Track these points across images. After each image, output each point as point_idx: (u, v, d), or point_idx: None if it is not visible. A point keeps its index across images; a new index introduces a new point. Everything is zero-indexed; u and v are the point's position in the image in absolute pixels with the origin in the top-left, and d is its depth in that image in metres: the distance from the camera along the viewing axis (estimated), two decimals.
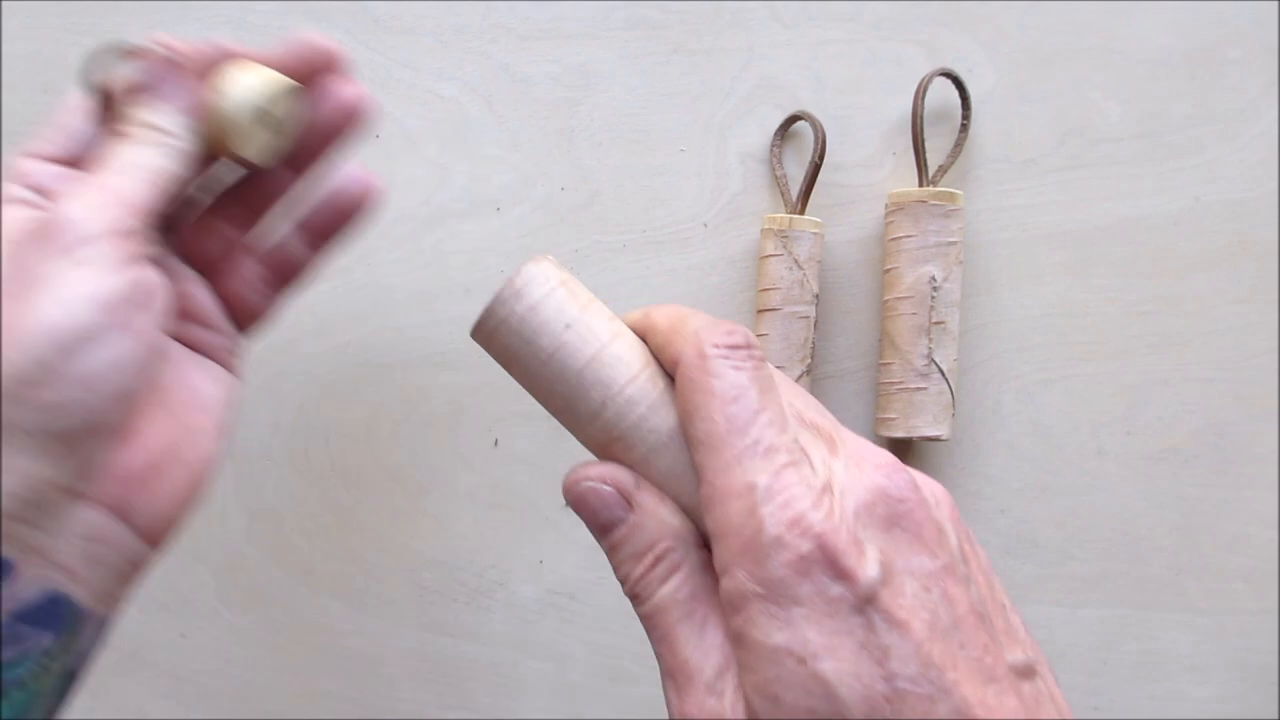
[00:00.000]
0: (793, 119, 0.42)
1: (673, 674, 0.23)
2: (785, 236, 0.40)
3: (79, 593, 0.25)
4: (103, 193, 0.25)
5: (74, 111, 0.28)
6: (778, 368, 0.40)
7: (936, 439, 0.40)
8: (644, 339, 0.26)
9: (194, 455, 0.28)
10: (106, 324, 0.24)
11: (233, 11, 0.43)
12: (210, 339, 0.30)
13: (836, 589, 0.21)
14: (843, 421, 0.42)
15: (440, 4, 0.43)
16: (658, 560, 0.23)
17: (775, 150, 0.42)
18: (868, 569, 0.22)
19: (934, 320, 0.39)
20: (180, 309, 0.30)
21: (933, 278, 0.39)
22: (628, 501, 0.24)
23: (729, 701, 0.22)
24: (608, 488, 0.24)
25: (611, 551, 0.24)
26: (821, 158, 0.41)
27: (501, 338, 0.25)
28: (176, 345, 0.29)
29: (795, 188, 0.42)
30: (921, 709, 0.21)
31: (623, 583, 0.24)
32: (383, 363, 0.43)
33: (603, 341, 0.25)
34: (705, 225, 0.43)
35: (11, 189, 0.26)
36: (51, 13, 0.43)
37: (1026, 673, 0.23)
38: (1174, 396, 0.42)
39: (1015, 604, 0.44)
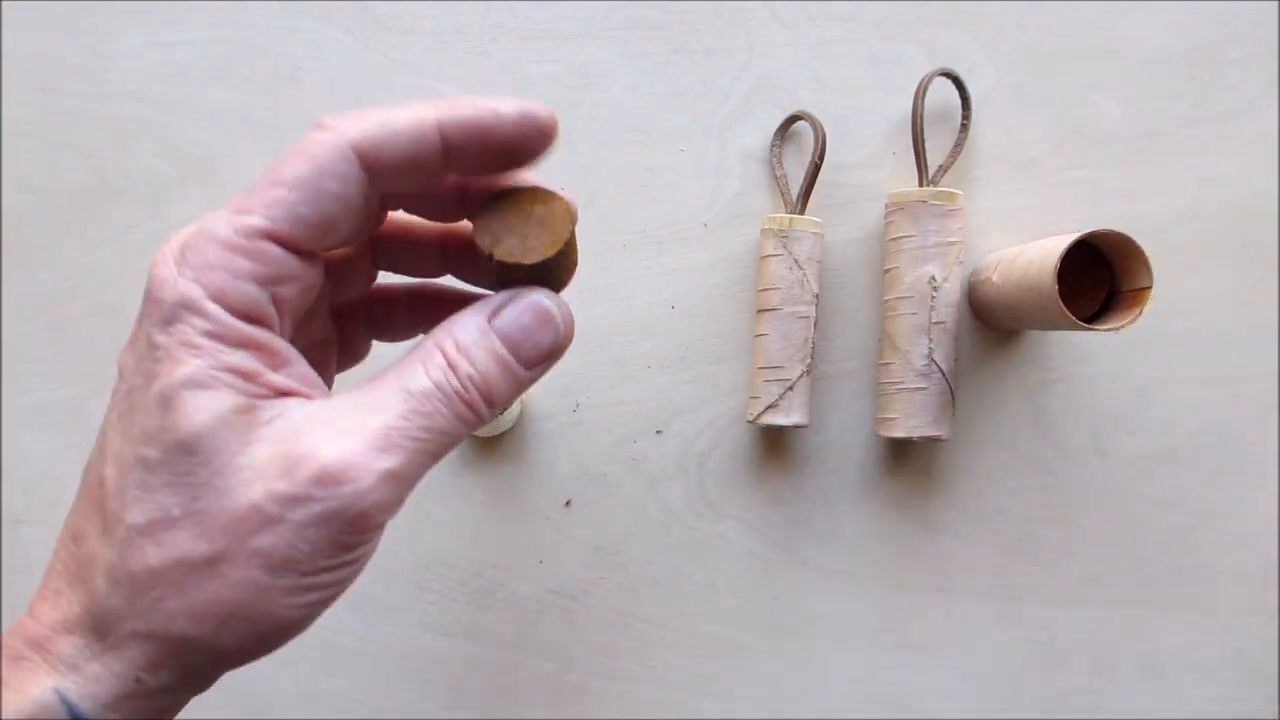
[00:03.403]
0: (793, 119, 0.42)
1: None
2: (785, 236, 0.40)
3: None
4: (391, 461, 0.23)
5: (347, 175, 0.23)
6: (777, 368, 0.40)
7: (936, 439, 0.40)
8: None
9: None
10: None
11: (233, 11, 0.43)
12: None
13: None
14: (842, 421, 0.43)
15: (440, 4, 0.43)
16: None
17: (775, 150, 0.42)
18: None
19: (934, 320, 0.39)
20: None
21: (933, 278, 0.39)
22: None
23: None
24: None
25: None
26: (821, 158, 0.41)
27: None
28: None
29: (795, 188, 0.42)
30: None
31: None
32: (384, 362, 0.43)
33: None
34: (705, 225, 0.43)
35: (206, 352, 0.22)
36: (51, 13, 0.43)
37: None
38: (1174, 396, 0.42)
39: (1015, 604, 0.44)
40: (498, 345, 0.25)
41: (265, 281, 0.23)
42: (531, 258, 0.25)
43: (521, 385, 0.25)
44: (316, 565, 0.22)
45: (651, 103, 0.43)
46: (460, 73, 0.43)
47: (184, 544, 0.22)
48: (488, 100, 0.24)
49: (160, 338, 0.22)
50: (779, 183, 0.42)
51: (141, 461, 0.22)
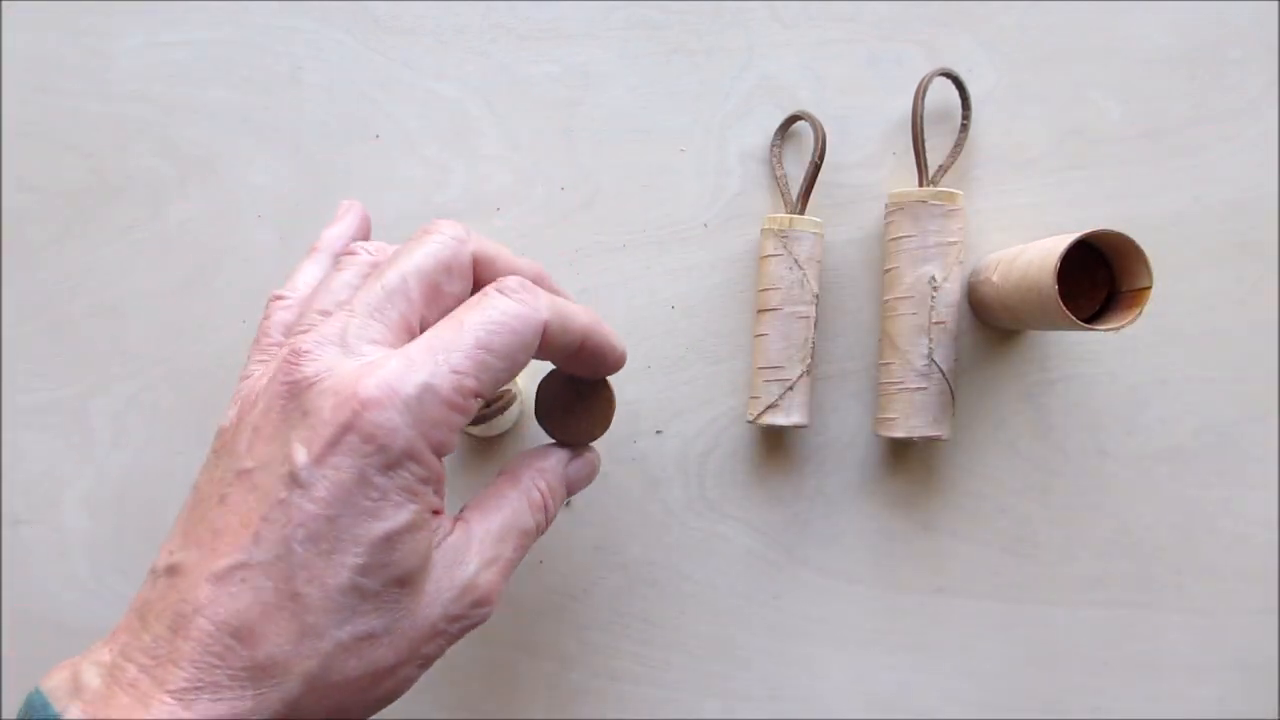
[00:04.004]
0: (793, 119, 0.42)
1: None
2: (785, 236, 0.40)
3: None
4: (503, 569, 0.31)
5: (533, 349, 0.29)
6: (777, 368, 0.40)
7: (936, 439, 0.40)
8: None
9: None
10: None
11: (233, 11, 0.43)
12: None
13: None
14: (842, 421, 0.43)
15: (440, 4, 0.43)
16: None
17: (775, 150, 0.42)
18: None
19: (934, 320, 0.39)
20: None
21: (933, 278, 0.39)
22: None
23: None
24: None
25: None
26: (821, 158, 0.41)
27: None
28: None
29: (795, 188, 0.42)
30: None
31: None
32: None
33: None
34: (705, 225, 0.43)
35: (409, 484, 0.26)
36: (51, 12, 0.43)
37: None
38: (1174, 396, 0.42)
39: (1015, 604, 0.44)
40: (565, 490, 0.34)
41: (462, 428, 0.28)
42: (586, 439, 0.35)
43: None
44: (442, 654, 0.29)
45: (651, 103, 0.43)
46: (460, 73, 0.43)
47: (379, 657, 0.27)
48: (612, 332, 0.32)
49: (381, 480, 0.26)
50: (779, 183, 0.42)
51: (357, 589, 0.26)
